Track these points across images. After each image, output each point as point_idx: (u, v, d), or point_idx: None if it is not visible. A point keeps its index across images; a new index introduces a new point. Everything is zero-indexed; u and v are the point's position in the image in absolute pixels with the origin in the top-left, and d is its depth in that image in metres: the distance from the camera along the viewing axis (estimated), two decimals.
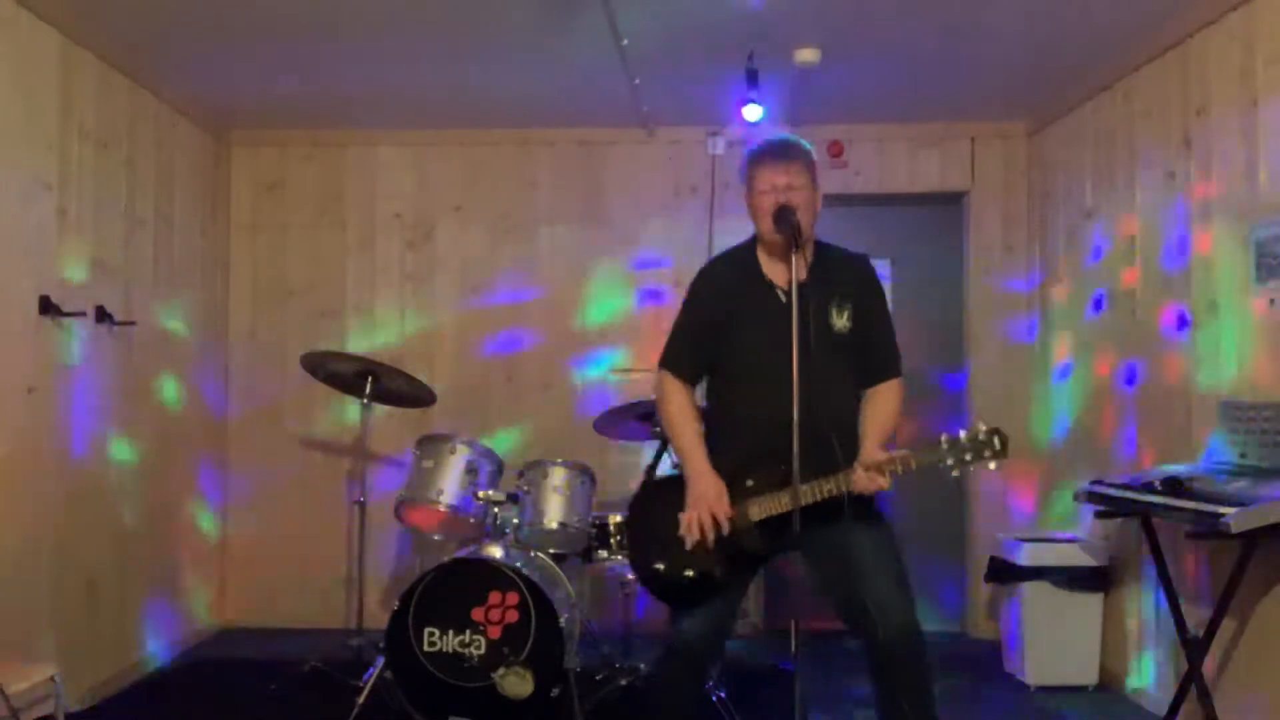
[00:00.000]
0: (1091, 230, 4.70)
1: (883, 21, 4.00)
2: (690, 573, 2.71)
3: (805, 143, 2.87)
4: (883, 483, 2.61)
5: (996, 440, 2.58)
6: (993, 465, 2.60)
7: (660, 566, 2.76)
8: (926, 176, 5.47)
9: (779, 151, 2.79)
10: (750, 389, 2.77)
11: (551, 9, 3.84)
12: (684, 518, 2.70)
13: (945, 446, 2.60)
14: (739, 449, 2.75)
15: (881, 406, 2.82)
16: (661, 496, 2.85)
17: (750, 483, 2.70)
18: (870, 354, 2.83)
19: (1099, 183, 4.65)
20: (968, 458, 2.58)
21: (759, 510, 2.68)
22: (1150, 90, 4.20)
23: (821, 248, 2.87)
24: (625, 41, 4.08)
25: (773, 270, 2.83)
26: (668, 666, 2.88)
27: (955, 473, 2.61)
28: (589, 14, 3.84)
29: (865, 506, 2.70)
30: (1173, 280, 4.01)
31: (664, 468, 3.67)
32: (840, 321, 2.77)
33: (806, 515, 2.58)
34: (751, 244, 2.91)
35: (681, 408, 2.86)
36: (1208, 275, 3.78)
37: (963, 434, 2.60)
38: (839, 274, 2.82)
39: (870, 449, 2.68)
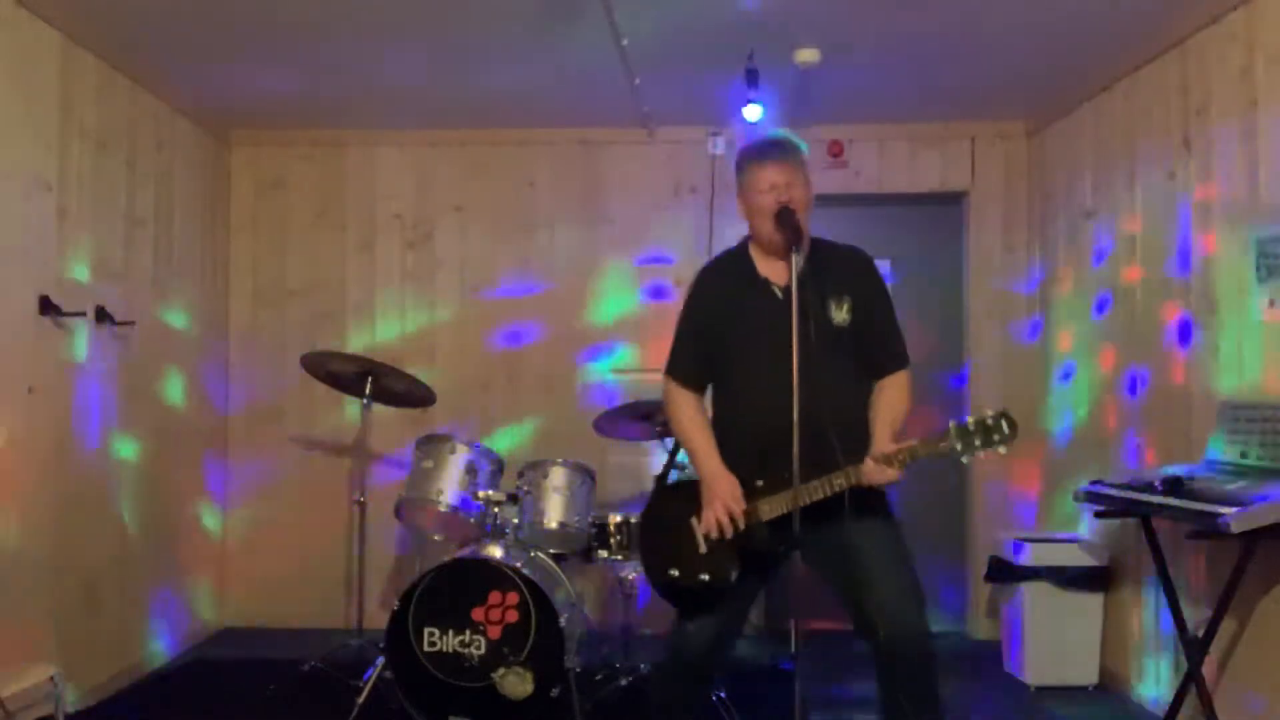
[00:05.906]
0: (1092, 230, 4.69)
1: (882, 22, 4.00)
2: (705, 577, 2.72)
3: (795, 137, 2.86)
4: (892, 474, 2.61)
5: (1005, 424, 2.57)
6: (1002, 450, 2.58)
7: (675, 573, 2.75)
8: (926, 176, 5.46)
9: (778, 150, 2.78)
10: (751, 388, 2.77)
11: (551, 9, 3.84)
12: (704, 516, 2.70)
13: (954, 434, 2.59)
14: (745, 449, 2.75)
15: (890, 398, 2.79)
16: (672, 502, 2.85)
17: (760, 482, 2.69)
18: (874, 346, 2.82)
19: (1099, 183, 4.65)
20: (977, 443, 2.57)
21: (770, 509, 2.67)
22: (1150, 90, 4.20)
23: (815, 243, 2.85)
24: (625, 41, 4.08)
25: (768, 269, 2.82)
26: (670, 669, 2.88)
27: (965, 459, 2.60)
28: (589, 14, 3.84)
29: (874, 502, 2.70)
30: (1173, 281, 4.01)
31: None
32: (840, 315, 2.76)
33: (814, 513, 2.57)
34: (744, 245, 2.91)
35: (692, 415, 2.86)
36: (1208, 275, 3.78)
37: (970, 420, 2.59)
38: (835, 267, 2.81)
39: (880, 440, 2.68)
